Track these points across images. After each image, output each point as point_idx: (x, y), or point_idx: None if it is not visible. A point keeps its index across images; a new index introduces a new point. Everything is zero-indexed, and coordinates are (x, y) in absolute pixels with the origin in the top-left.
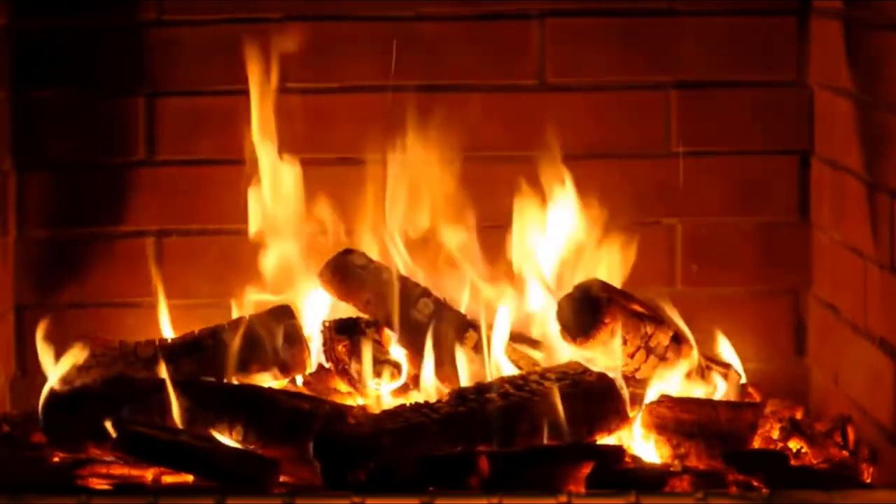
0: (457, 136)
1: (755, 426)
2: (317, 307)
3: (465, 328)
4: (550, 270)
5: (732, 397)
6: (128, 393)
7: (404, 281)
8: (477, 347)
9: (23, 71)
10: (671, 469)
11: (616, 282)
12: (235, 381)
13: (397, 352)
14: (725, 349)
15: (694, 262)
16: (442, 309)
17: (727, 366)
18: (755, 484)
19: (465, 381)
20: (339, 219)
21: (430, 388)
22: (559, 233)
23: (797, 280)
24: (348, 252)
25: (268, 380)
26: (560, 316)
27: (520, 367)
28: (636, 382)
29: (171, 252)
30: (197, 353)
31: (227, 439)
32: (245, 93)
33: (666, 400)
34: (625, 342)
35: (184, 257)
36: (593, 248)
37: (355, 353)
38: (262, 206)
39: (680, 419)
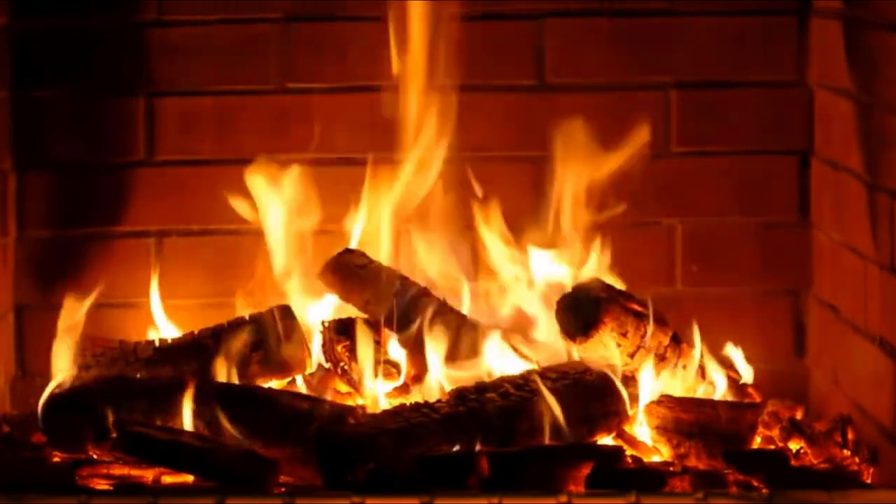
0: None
1: (755, 426)
2: (317, 307)
3: (464, 328)
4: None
5: (732, 397)
6: (128, 393)
7: (404, 281)
8: (476, 347)
9: (23, 71)
10: (671, 469)
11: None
12: (235, 381)
13: (397, 352)
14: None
15: (694, 262)
16: (442, 309)
17: (728, 366)
18: (755, 484)
19: (464, 380)
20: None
21: (430, 388)
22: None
23: (797, 280)
24: (348, 252)
25: (268, 380)
26: (559, 315)
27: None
28: (636, 382)
29: (171, 252)
30: (197, 353)
31: (227, 439)
32: (244, 93)
33: (666, 400)
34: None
35: (184, 257)
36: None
37: (355, 353)
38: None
39: (680, 419)
